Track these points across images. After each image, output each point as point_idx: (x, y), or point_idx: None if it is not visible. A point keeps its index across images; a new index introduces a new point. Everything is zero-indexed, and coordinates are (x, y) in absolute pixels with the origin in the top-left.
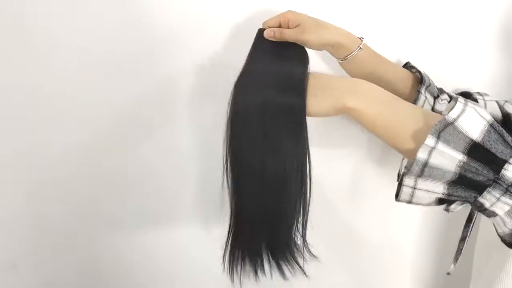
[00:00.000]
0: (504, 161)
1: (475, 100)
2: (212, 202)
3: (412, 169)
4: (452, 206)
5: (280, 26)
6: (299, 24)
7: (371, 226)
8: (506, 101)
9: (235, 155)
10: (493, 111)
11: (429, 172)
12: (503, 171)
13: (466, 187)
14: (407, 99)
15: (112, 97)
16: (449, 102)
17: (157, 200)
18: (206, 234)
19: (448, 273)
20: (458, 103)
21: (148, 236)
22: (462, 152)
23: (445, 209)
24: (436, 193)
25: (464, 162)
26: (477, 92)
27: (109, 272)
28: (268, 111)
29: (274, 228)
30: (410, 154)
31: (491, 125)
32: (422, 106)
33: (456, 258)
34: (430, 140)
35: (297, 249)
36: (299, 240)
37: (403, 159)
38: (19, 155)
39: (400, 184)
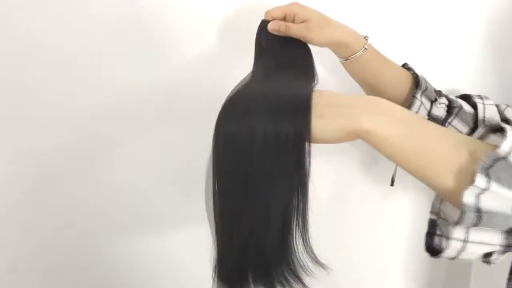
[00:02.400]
0: None
1: (475, 104)
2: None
3: (465, 218)
4: (494, 257)
5: (284, 18)
6: (306, 20)
7: (358, 235)
8: (507, 106)
9: (220, 190)
10: (493, 116)
11: (488, 220)
12: None
13: None
14: (404, 102)
15: (111, 95)
16: (447, 106)
17: (154, 204)
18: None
19: None
20: (509, 133)
21: (146, 239)
22: None
23: (484, 261)
24: (492, 245)
25: None
26: (477, 95)
27: (108, 276)
28: (261, 143)
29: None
30: (448, 193)
31: None
32: (417, 112)
33: None
34: (480, 180)
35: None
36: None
37: None
38: (19, 157)
39: (432, 235)
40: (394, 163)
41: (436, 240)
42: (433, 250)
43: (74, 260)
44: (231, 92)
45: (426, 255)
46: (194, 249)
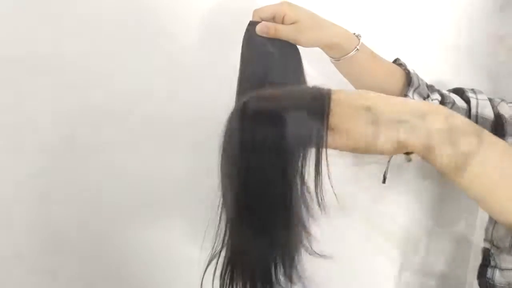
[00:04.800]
0: None
1: (468, 99)
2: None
3: None
4: None
5: (273, 19)
6: (296, 21)
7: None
8: (502, 100)
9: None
10: (486, 111)
11: None
12: None
13: None
14: None
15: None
16: (439, 102)
17: (157, 199)
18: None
19: None
20: None
21: (147, 235)
22: None
23: None
24: None
25: None
26: (471, 89)
27: (103, 270)
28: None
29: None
30: None
31: None
32: None
33: None
34: None
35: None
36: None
37: (389, 161)
38: (20, 152)
39: (486, 266)
40: (460, 188)
41: (489, 272)
42: (483, 282)
43: (72, 252)
44: (237, 99)
45: (419, 256)
46: (193, 247)
